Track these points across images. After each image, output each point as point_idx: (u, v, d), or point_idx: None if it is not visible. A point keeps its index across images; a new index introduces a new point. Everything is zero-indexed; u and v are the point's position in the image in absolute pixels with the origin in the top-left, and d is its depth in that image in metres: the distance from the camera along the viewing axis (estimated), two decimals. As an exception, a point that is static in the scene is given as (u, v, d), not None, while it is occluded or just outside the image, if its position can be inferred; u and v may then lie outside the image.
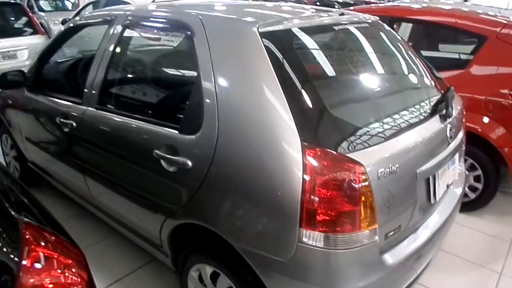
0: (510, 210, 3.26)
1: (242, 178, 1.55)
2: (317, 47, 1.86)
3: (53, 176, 2.96)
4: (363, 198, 1.42)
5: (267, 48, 1.63)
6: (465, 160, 2.78)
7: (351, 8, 4.05)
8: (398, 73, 2.14)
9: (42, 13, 10.40)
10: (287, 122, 1.48)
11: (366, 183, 1.43)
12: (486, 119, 2.94)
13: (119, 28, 2.27)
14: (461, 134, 2.14)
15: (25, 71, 2.95)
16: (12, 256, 0.90)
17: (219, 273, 1.80)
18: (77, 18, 2.89)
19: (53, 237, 1.03)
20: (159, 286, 2.39)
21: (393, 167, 1.52)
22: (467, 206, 3.07)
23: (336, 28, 1.98)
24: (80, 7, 9.62)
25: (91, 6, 8.68)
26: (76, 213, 3.09)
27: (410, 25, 3.78)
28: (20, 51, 6.00)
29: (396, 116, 1.74)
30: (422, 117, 1.83)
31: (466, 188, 3.03)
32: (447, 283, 2.44)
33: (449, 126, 1.91)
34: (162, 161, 1.81)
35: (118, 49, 2.27)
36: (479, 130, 2.95)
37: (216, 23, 1.85)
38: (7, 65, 5.70)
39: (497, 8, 3.96)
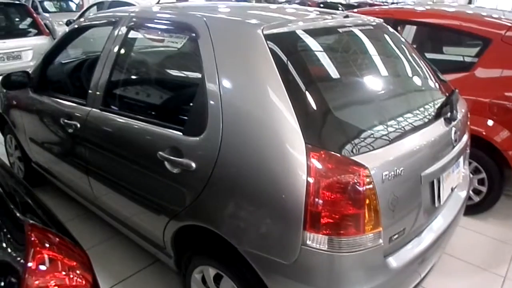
0: (515, 214, 3.25)
1: (246, 180, 1.55)
2: (322, 50, 1.86)
3: (57, 176, 2.97)
4: (367, 201, 1.42)
5: (271, 50, 1.63)
6: (469, 163, 2.77)
7: (355, 10, 4.04)
8: (402, 76, 2.14)
9: (47, 14, 10.46)
10: (292, 124, 1.48)
11: (371, 186, 1.42)
12: (490, 122, 2.93)
13: (123, 29, 2.28)
14: (465, 137, 2.13)
15: (30, 71, 2.96)
16: (17, 258, 0.91)
17: (222, 275, 1.80)
18: (82, 19, 2.90)
19: (57, 239, 1.03)
20: (162, 287, 2.39)
21: (397, 170, 1.51)
22: (471, 209, 3.06)
23: (340, 30, 1.98)
24: (84, 8, 9.66)
25: (95, 7, 8.71)
26: (79, 214, 3.10)
27: (414, 27, 3.78)
28: (25, 51, 6.02)
29: (400, 118, 1.74)
30: (426, 120, 1.82)
31: (470, 191, 3.02)
32: (450, 287, 2.43)
33: (453, 129, 1.90)
34: (166, 163, 1.81)
35: (122, 51, 2.28)
36: (484, 133, 2.94)
37: (221, 25, 1.86)
38: (12, 65, 5.73)
39: (501, 10, 3.95)
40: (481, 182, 3.09)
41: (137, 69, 2.48)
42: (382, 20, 2.30)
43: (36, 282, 0.88)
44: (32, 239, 0.95)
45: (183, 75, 2.25)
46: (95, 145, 2.33)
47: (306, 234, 1.43)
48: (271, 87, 1.55)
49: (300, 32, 1.80)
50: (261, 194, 1.51)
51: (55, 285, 0.91)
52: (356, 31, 2.04)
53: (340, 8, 9.56)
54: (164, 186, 1.88)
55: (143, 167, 2.01)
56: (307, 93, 1.58)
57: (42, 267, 0.91)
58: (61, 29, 8.83)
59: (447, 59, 3.64)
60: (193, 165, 1.69)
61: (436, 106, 1.95)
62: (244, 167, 1.56)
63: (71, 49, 3.09)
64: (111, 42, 2.32)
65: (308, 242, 1.43)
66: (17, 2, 6.67)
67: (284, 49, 1.66)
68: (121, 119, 2.13)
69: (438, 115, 1.89)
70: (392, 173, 1.49)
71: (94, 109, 2.30)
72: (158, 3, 2.91)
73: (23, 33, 6.31)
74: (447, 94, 2.11)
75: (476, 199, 3.14)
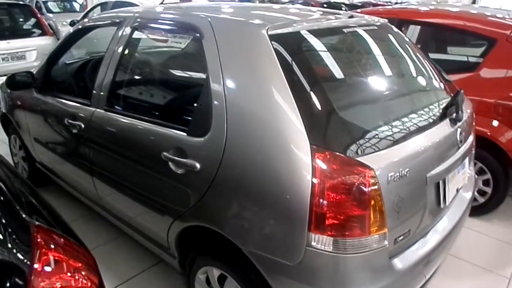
0: (520, 215, 3.23)
1: (250, 181, 1.55)
2: (326, 50, 1.85)
3: (61, 177, 2.97)
4: (372, 202, 1.41)
5: (276, 50, 1.62)
6: (474, 164, 2.76)
7: (358, 10, 4.03)
8: (407, 76, 2.13)
9: (50, 15, 10.49)
10: (296, 125, 1.47)
11: (376, 187, 1.42)
12: (495, 123, 2.92)
13: (127, 30, 2.28)
14: (471, 138, 2.12)
15: (34, 72, 2.97)
16: (23, 259, 0.91)
17: (226, 276, 1.80)
18: (86, 19, 2.90)
19: (63, 240, 1.03)
20: (166, 288, 2.40)
21: (403, 171, 1.50)
22: (476, 210, 3.05)
23: (345, 30, 1.97)
24: (88, 8, 9.69)
25: (99, 7, 8.73)
26: (83, 214, 3.10)
27: (418, 27, 3.77)
28: (29, 52, 6.04)
29: (406, 119, 1.73)
30: (432, 121, 1.81)
31: (475, 192, 3.01)
32: (455, 288, 2.42)
33: (459, 130, 1.89)
34: (170, 163, 1.81)
35: (126, 51, 2.28)
36: (488, 133, 2.93)
37: (225, 26, 1.85)
38: (16, 66, 5.75)
39: (505, 10, 3.93)
40: (486, 183, 3.08)
41: (141, 69, 2.48)
42: (386, 20, 2.29)
43: (42, 284, 0.88)
44: (38, 240, 0.95)
45: (187, 75, 2.25)
46: (99, 146, 2.34)
47: (311, 235, 1.42)
48: (275, 88, 1.55)
49: (304, 33, 1.79)
50: (265, 195, 1.50)
51: (60, 287, 0.91)
52: (361, 31, 2.03)
53: (343, 8, 9.54)
54: (168, 186, 1.88)
55: (147, 168, 2.01)
56: (312, 93, 1.58)
57: (48, 269, 0.91)
58: (65, 30, 8.85)
59: (452, 59, 3.63)
60: (198, 165, 1.69)
61: (441, 107, 1.94)
62: (248, 167, 1.55)
63: (75, 50, 3.10)
64: (115, 42, 2.32)
65: (313, 243, 1.43)
66: (21, 2, 6.70)
67: (288, 49, 1.66)
68: (125, 120, 2.13)
69: (443, 115, 1.88)
70: (398, 174, 1.49)
71: (98, 110, 2.30)
72: (162, 3, 2.91)
73: (27, 34, 6.33)
74: (452, 95, 2.10)
75: (481, 200, 3.12)
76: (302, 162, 1.43)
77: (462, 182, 2.01)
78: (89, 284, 0.96)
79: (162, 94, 2.32)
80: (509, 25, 3.03)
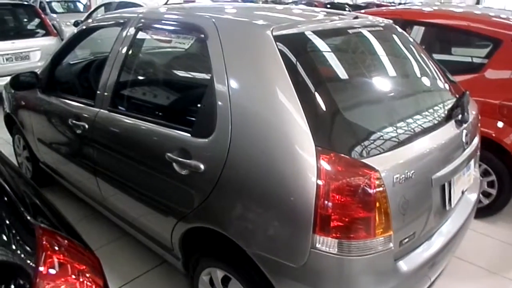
0: (525, 217, 3.21)
1: (254, 182, 1.54)
2: (331, 51, 1.85)
3: (65, 177, 2.98)
4: (378, 205, 1.40)
5: (281, 51, 1.62)
6: (479, 166, 2.74)
7: (362, 11, 4.02)
8: (412, 77, 2.12)
9: (54, 15, 10.53)
10: (301, 126, 1.47)
11: (381, 189, 1.41)
12: (500, 124, 2.90)
13: (132, 30, 2.28)
14: (476, 140, 2.10)
15: (38, 72, 2.97)
16: (28, 261, 0.90)
17: (230, 277, 1.79)
18: (90, 20, 2.90)
19: (68, 242, 1.03)
20: (170, 289, 2.39)
21: (408, 173, 1.49)
22: (481, 212, 3.02)
23: (349, 31, 1.96)
24: (92, 9, 9.71)
25: (102, 8, 8.75)
26: (87, 214, 3.11)
27: (422, 28, 3.75)
28: (33, 52, 6.05)
29: (411, 120, 1.72)
30: (438, 122, 1.80)
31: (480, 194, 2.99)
32: (460, 291, 2.41)
33: (465, 131, 1.88)
34: (174, 164, 1.80)
35: (130, 52, 2.28)
36: (493, 135, 2.91)
37: (230, 26, 1.85)
38: (20, 66, 5.75)
39: (509, 11, 3.91)
40: (490, 184, 3.06)
41: (145, 70, 2.48)
42: (391, 21, 2.28)
43: (47, 287, 0.88)
44: (43, 243, 0.95)
45: (191, 76, 2.25)
46: (103, 146, 2.34)
47: (315, 237, 1.41)
48: (280, 89, 1.54)
49: (309, 33, 1.78)
50: (270, 196, 1.50)
51: None
52: (365, 32, 2.02)
53: (347, 9, 9.53)
54: (172, 187, 1.88)
55: (151, 169, 2.01)
56: (316, 94, 1.57)
57: (52, 271, 0.91)
58: (69, 30, 8.88)
59: (456, 60, 3.61)
60: (202, 166, 1.69)
61: (447, 108, 1.93)
62: (253, 169, 1.55)
63: (79, 50, 3.10)
64: (119, 43, 2.32)
65: (318, 245, 1.42)
66: (25, 3, 6.70)
67: (293, 50, 1.65)
68: (129, 120, 2.13)
69: (449, 117, 1.87)
70: (403, 176, 1.48)
71: (102, 110, 2.30)
72: (166, 4, 2.91)
73: (31, 34, 6.34)
74: (457, 96, 2.09)
75: (486, 201, 3.11)
76: (307, 163, 1.42)
77: (468, 184, 2.00)
78: (94, 286, 0.96)
79: (166, 95, 2.32)
80: (515, 26, 3.01)
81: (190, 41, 2.04)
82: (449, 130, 1.81)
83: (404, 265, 1.57)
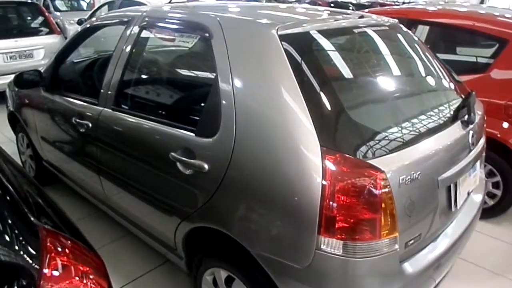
0: (530, 218, 3.19)
1: (259, 182, 1.53)
2: (336, 50, 1.83)
3: (68, 175, 2.98)
4: (383, 206, 1.39)
5: (286, 51, 1.60)
6: (484, 166, 2.72)
7: (366, 10, 4.00)
8: (418, 77, 2.10)
9: (58, 13, 10.52)
10: (306, 126, 1.46)
11: (387, 190, 1.39)
12: (506, 124, 2.88)
13: (136, 29, 2.27)
14: (482, 141, 2.09)
15: (41, 70, 2.97)
16: (32, 263, 0.90)
17: (234, 277, 1.78)
18: (94, 18, 2.90)
19: (72, 244, 1.02)
20: (172, 288, 2.39)
21: (414, 175, 1.48)
22: (485, 213, 2.99)
23: (355, 31, 1.95)
24: (95, 7, 9.71)
25: (106, 6, 8.75)
26: (90, 213, 3.11)
27: (427, 27, 3.73)
28: (37, 50, 6.05)
29: (417, 121, 1.71)
30: (444, 123, 1.79)
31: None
32: (464, 292, 2.39)
33: (471, 132, 1.86)
34: (178, 164, 1.79)
35: (134, 50, 2.27)
36: (498, 135, 2.89)
37: (235, 25, 1.84)
38: (24, 64, 5.76)
39: (514, 10, 3.89)
40: (495, 185, 3.04)
41: (149, 69, 2.47)
42: (396, 21, 2.26)
43: None
44: (48, 244, 0.94)
45: (195, 75, 2.24)
46: (106, 145, 2.33)
47: (320, 238, 1.40)
48: (285, 88, 1.53)
49: (314, 33, 1.77)
50: (275, 197, 1.49)
51: None
52: (371, 31, 2.01)
53: (350, 8, 9.50)
54: (176, 187, 1.87)
55: (155, 168, 2.00)
56: (322, 94, 1.56)
57: (56, 273, 0.90)
58: (72, 28, 8.87)
59: (461, 59, 3.58)
60: (206, 166, 1.68)
61: (453, 108, 1.92)
62: (257, 169, 1.54)
63: (83, 49, 3.10)
64: (123, 41, 2.31)
65: (323, 247, 1.41)
66: (29, 1, 6.70)
67: (298, 49, 1.64)
68: (133, 119, 2.12)
69: (455, 117, 1.85)
70: (409, 177, 1.46)
71: (106, 109, 2.29)
72: (170, 2, 2.90)
73: (35, 32, 6.34)
74: (462, 96, 2.07)
75: (490, 202, 3.09)
76: (312, 163, 1.41)
77: (473, 185, 1.98)
78: (98, 288, 0.95)
79: (170, 94, 2.31)
80: (521, 25, 2.99)
81: (194, 40, 2.03)
82: (455, 131, 1.79)
83: (410, 267, 1.55)
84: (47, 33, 6.35)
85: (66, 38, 6.30)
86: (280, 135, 1.49)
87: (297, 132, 1.46)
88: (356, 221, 1.38)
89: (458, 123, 1.84)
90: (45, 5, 10.17)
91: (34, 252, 0.92)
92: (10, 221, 0.97)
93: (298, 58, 1.62)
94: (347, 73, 1.78)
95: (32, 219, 1.03)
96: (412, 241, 1.55)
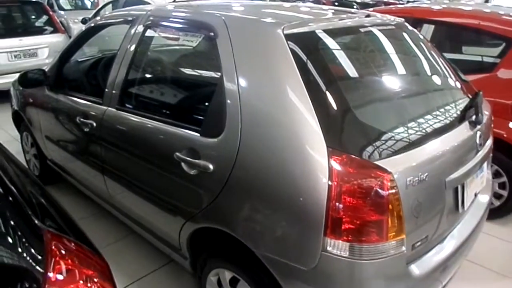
0: (536, 219, 3.16)
1: (264, 183, 1.52)
2: (343, 50, 1.81)
3: (72, 174, 2.97)
4: (390, 207, 1.38)
5: (292, 50, 1.59)
6: (490, 167, 2.70)
7: (371, 9, 3.97)
8: (425, 77, 2.08)
9: (62, 12, 10.53)
10: (313, 126, 1.44)
11: (394, 191, 1.38)
12: (512, 124, 2.86)
13: (140, 28, 2.26)
14: (489, 141, 2.06)
15: (46, 69, 2.97)
16: (37, 267, 0.89)
17: (238, 279, 1.77)
18: (98, 17, 2.89)
19: (76, 247, 1.01)
20: (177, 288, 2.38)
21: (422, 176, 1.46)
22: (492, 213, 2.95)
23: (361, 30, 1.93)
24: (100, 6, 9.72)
25: (110, 5, 8.75)
26: (94, 212, 3.10)
27: (432, 26, 3.70)
28: (41, 49, 6.06)
29: (424, 121, 1.69)
30: (451, 123, 1.77)
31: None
32: (470, 294, 2.37)
33: (478, 133, 1.84)
34: (182, 164, 1.78)
35: (139, 49, 2.26)
36: (505, 135, 2.87)
37: (240, 25, 1.82)
38: (28, 63, 5.77)
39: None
40: (502, 186, 3.01)
41: (153, 68, 2.47)
42: (403, 20, 2.24)
43: None
44: (52, 248, 0.93)
45: (200, 75, 2.22)
46: (111, 144, 2.32)
47: (326, 240, 1.39)
48: (291, 88, 1.52)
49: (320, 32, 1.75)
50: (280, 198, 1.47)
51: None
52: (377, 30, 1.99)
53: (355, 6, 9.45)
54: (181, 187, 1.86)
55: (159, 168, 1.99)
56: (328, 94, 1.54)
57: (60, 277, 0.89)
58: (76, 27, 8.88)
59: (467, 59, 3.55)
60: (211, 166, 1.67)
61: (460, 108, 1.90)
62: (263, 169, 1.53)
63: (87, 48, 3.09)
64: (127, 40, 2.30)
65: (329, 248, 1.39)
66: (34, 0, 6.71)
67: (304, 49, 1.63)
68: (137, 119, 2.11)
69: (462, 118, 1.83)
70: (416, 178, 1.45)
71: (110, 108, 2.29)
72: (174, 1, 2.89)
73: (39, 31, 6.35)
74: (469, 96, 2.05)
75: (497, 203, 3.06)
76: (318, 164, 1.39)
77: (480, 186, 1.96)
78: (103, 293, 0.94)
79: (175, 94, 2.30)
80: (528, 25, 2.96)
81: (199, 39, 2.02)
82: (463, 131, 1.77)
83: (416, 269, 1.54)
84: (51, 32, 6.37)
85: (70, 37, 6.31)
86: (286, 135, 1.48)
87: (303, 132, 1.45)
88: (363, 223, 1.37)
89: (466, 123, 1.82)
90: (49, 4, 10.20)
91: (39, 256, 0.91)
92: (15, 225, 0.97)
93: (304, 57, 1.60)
94: (353, 73, 1.77)
95: (36, 222, 1.03)
96: (419, 243, 1.53)
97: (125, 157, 2.24)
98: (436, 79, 2.10)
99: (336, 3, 10.82)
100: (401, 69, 1.97)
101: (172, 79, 2.41)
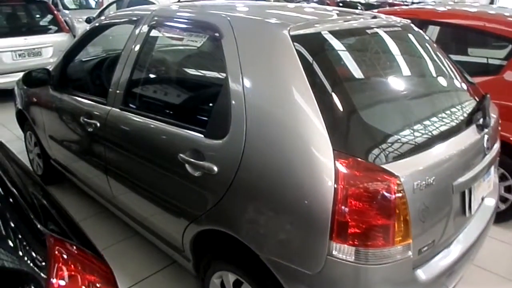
0: (542, 223, 3.12)
1: (269, 185, 1.50)
2: (349, 52, 1.80)
3: (75, 174, 2.97)
4: (397, 212, 1.36)
5: (298, 51, 1.57)
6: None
7: (375, 10, 3.95)
8: (432, 79, 2.06)
9: (67, 11, 10.55)
10: (319, 128, 1.42)
11: (401, 195, 1.36)
12: (519, 128, 2.82)
13: (145, 28, 2.25)
14: (497, 145, 2.04)
15: (50, 69, 2.96)
16: (41, 273, 0.87)
17: (242, 281, 1.76)
18: (103, 17, 2.88)
19: (79, 252, 1.00)
20: (179, 290, 2.37)
21: (429, 180, 1.44)
22: (497, 217, 2.92)
23: (368, 31, 1.91)
24: (104, 5, 9.73)
25: (114, 5, 8.75)
26: (97, 212, 3.09)
27: (438, 28, 3.67)
28: (45, 48, 6.07)
29: (431, 125, 1.67)
30: (458, 126, 1.75)
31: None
32: (476, 298, 2.35)
33: (486, 136, 1.82)
34: (187, 166, 1.77)
35: (143, 50, 2.25)
36: (511, 138, 2.83)
37: (245, 25, 1.81)
38: (32, 62, 5.78)
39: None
40: (507, 189, 2.99)
41: (158, 68, 2.45)
42: (409, 21, 2.22)
43: None
44: (55, 253, 0.91)
45: (205, 75, 2.21)
46: (114, 145, 2.31)
47: (332, 244, 1.37)
48: (297, 90, 1.50)
49: (326, 33, 1.74)
50: (285, 200, 1.46)
51: None
52: (383, 32, 1.97)
53: (359, 7, 9.43)
54: (185, 189, 1.84)
55: (163, 169, 1.98)
56: (334, 96, 1.52)
57: (63, 283, 0.88)
58: (81, 26, 8.88)
59: (473, 61, 3.52)
60: (215, 168, 1.65)
61: (467, 111, 1.87)
62: (268, 171, 1.51)
63: (91, 47, 3.08)
64: (132, 40, 2.29)
65: (334, 253, 1.38)
66: (38, -1, 6.73)
67: (310, 50, 1.61)
68: (141, 119, 2.10)
69: (470, 121, 1.81)
70: (424, 182, 1.43)
71: (114, 108, 2.28)
72: (178, 1, 2.88)
73: (44, 30, 6.36)
74: (476, 98, 2.03)
75: (502, 206, 3.03)
76: (324, 167, 1.38)
77: (487, 190, 1.94)
78: (105, 297, 0.93)
79: (179, 94, 2.28)
80: (536, 27, 2.93)
81: (203, 39, 2.00)
82: (470, 135, 1.75)
83: (423, 274, 1.52)
84: (56, 31, 6.37)
85: (74, 36, 6.32)
86: (291, 137, 1.46)
87: (309, 134, 1.43)
88: (369, 227, 1.35)
89: (473, 126, 1.80)
90: (54, 3, 10.22)
91: (42, 262, 0.89)
92: (17, 229, 0.95)
93: (310, 59, 1.59)
94: (359, 74, 1.75)
95: (39, 226, 1.01)
96: (425, 248, 1.51)
97: (129, 157, 2.23)
98: (443, 81, 2.07)
99: (341, 4, 10.80)
100: (407, 71, 1.95)
101: (177, 80, 2.39)
